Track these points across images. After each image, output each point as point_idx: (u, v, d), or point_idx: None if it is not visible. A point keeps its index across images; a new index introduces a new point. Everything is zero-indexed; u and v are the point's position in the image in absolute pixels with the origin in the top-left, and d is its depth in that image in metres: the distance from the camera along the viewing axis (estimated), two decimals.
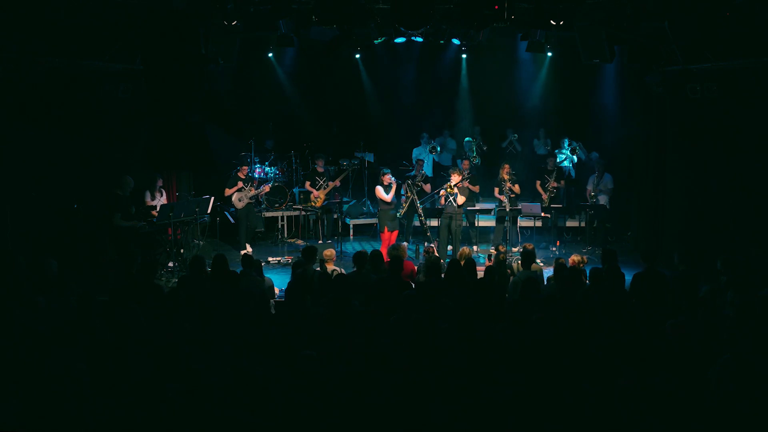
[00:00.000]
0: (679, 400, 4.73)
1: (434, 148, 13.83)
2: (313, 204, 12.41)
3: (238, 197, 11.56)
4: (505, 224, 11.45)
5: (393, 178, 10.80)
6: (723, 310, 6.36)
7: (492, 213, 11.88)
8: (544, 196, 12.08)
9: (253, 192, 11.71)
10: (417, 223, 11.44)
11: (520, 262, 8.15)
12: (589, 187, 11.99)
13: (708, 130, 10.05)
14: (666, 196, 10.90)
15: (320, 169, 12.54)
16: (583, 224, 12.39)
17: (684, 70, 9.61)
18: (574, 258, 8.17)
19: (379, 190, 10.67)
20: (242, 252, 11.08)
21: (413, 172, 12.07)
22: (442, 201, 10.87)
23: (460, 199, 10.75)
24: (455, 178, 10.72)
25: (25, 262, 6.82)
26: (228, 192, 11.57)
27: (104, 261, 9.45)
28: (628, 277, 7.85)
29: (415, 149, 13.99)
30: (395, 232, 10.78)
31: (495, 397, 4.82)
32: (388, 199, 10.60)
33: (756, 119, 9.49)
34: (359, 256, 7.72)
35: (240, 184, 11.56)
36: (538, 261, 9.17)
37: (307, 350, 4.94)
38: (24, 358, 5.22)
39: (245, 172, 11.73)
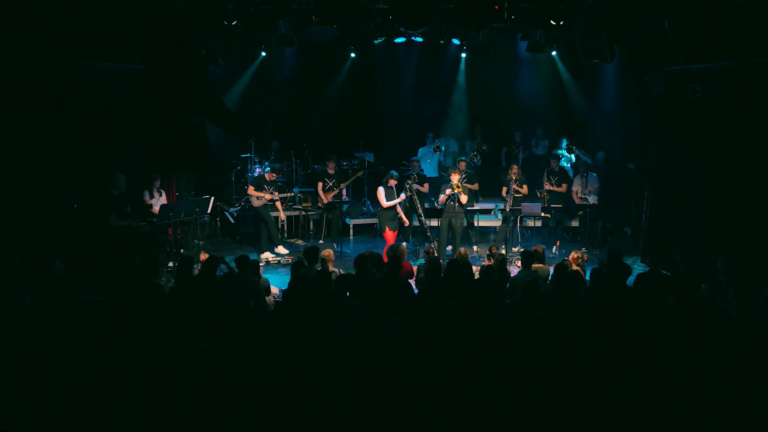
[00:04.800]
0: (679, 400, 4.73)
1: (438, 147, 13.82)
2: (319, 204, 12.42)
3: (256, 196, 11.55)
4: (509, 224, 11.40)
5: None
6: (723, 310, 6.35)
7: (492, 213, 11.85)
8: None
9: (269, 197, 11.63)
10: (417, 223, 11.42)
11: (520, 262, 8.13)
12: (576, 189, 11.86)
13: (708, 130, 10.04)
14: (666, 196, 10.88)
15: (331, 171, 12.48)
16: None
17: (684, 70, 9.60)
18: (574, 255, 8.17)
19: (380, 193, 10.62)
20: (262, 256, 11.05)
21: (411, 172, 12.06)
22: (442, 200, 10.79)
23: (464, 198, 10.67)
24: (455, 177, 10.65)
25: (19, 261, 6.79)
26: (253, 191, 11.52)
27: (103, 261, 9.44)
28: (630, 278, 7.84)
29: (420, 149, 13.99)
30: (395, 232, 10.77)
31: (494, 397, 4.82)
32: (384, 205, 10.62)
33: (756, 119, 9.47)
34: (360, 259, 7.70)
35: (268, 194, 11.55)
36: None
37: (301, 351, 4.94)
38: (22, 359, 5.22)
39: (273, 177, 11.75)
